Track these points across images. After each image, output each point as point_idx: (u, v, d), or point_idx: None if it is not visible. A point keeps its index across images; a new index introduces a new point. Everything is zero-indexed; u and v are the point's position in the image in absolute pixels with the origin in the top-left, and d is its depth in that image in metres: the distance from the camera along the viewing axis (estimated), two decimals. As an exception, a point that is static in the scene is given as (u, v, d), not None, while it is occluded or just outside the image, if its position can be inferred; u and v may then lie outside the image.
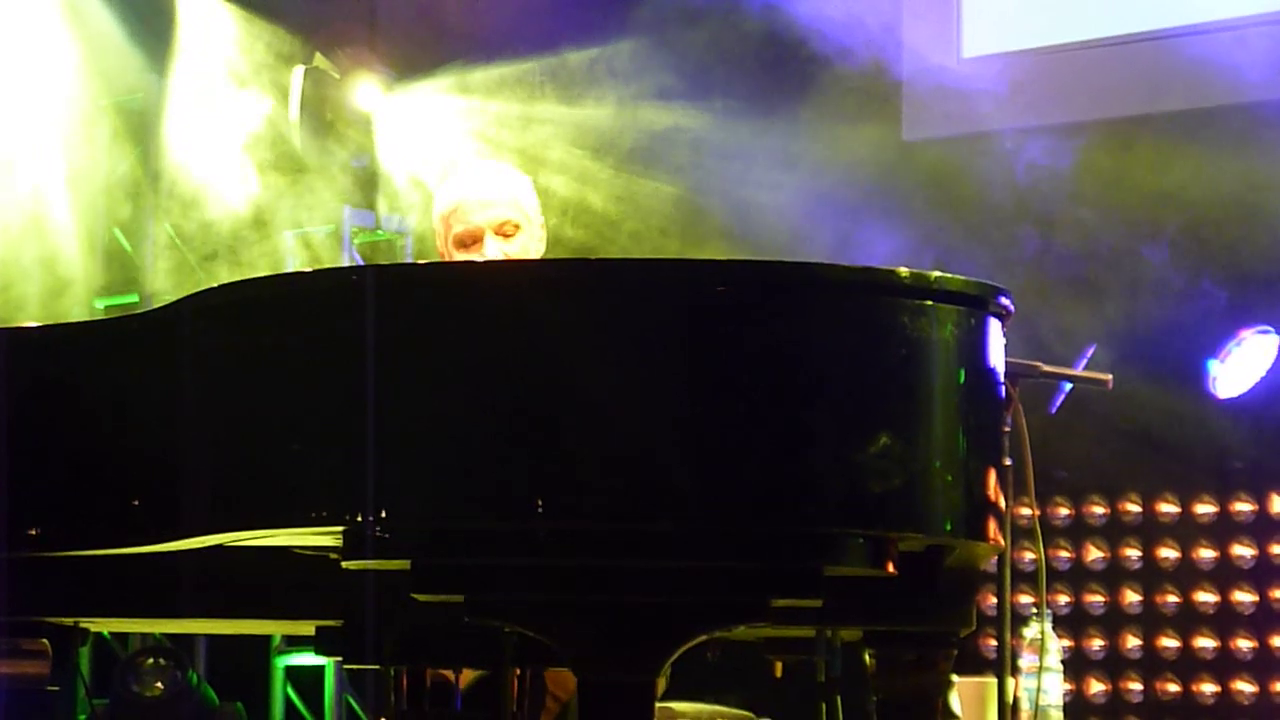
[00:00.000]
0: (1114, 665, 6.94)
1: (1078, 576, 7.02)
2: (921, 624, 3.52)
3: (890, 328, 3.06)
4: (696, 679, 4.58)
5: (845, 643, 3.87)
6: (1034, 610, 6.31)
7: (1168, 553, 6.91)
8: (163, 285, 7.98)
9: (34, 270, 7.91)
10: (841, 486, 3.03)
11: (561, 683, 4.20)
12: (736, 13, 7.19)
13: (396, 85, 7.94)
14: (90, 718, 6.95)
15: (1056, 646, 5.11)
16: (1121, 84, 6.94)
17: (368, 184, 8.00)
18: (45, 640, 3.77)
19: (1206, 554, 6.85)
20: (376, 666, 3.76)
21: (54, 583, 3.64)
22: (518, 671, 3.75)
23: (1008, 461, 3.33)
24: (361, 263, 7.84)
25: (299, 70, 7.70)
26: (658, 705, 3.28)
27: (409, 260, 7.79)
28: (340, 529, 3.08)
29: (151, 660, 7.28)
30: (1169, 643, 6.86)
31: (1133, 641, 6.91)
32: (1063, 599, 6.99)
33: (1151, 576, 6.93)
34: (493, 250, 4.31)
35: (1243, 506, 6.82)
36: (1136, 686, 6.88)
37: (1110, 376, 3.84)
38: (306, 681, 7.84)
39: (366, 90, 7.86)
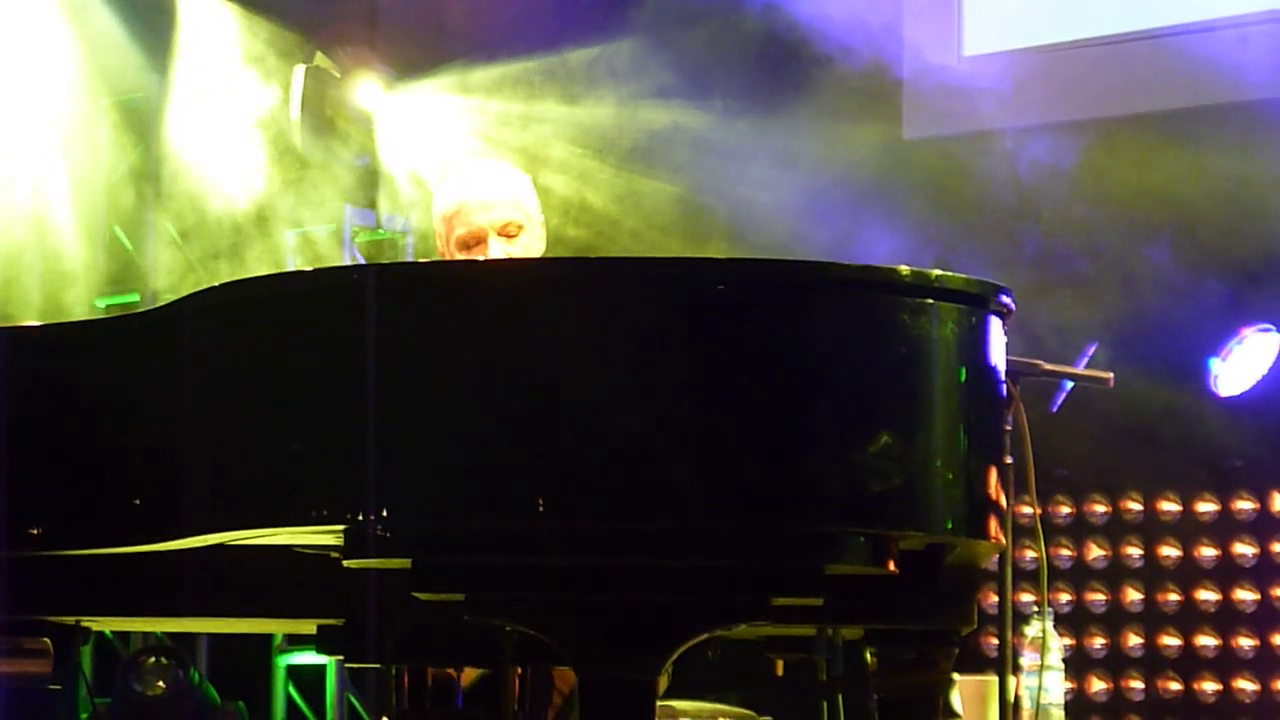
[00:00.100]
0: (1115, 663, 6.94)
1: (1079, 575, 7.02)
2: (922, 622, 3.52)
3: (891, 326, 3.06)
4: (697, 678, 4.58)
5: (846, 641, 3.87)
6: (1035, 608, 6.33)
7: (1169, 551, 6.91)
8: (163, 284, 7.98)
9: (35, 269, 7.91)
10: (842, 485, 3.03)
11: (566, 676, 4.20)
12: (737, 12, 7.19)
13: (397, 84, 7.94)
14: (92, 717, 6.95)
15: (1058, 645, 5.12)
16: (1122, 83, 6.93)
17: (369, 183, 8.00)
18: (47, 639, 3.78)
19: (1208, 552, 6.85)
20: (378, 665, 3.76)
21: (55, 582, 3.64)
22: (519, 670, 3.76)
23: (1009, 460, 3.33)
24: (362, 262, 7.85)
25: (300, 69, 7.70)
26: (658, 704, 3.28)
27: (410, 259, 7.79)
28: (341, 528, 3.08)
29: (153, 659, 7.27)
30: (1170, 641, 6.86)
31: (1134, 640, 6.91)
32: (1064, 597, 6.98)
33: (1153, 575, 6.93)
34: (496, 251, 4.31)
35: (1244, 505, 6.82)
36: (1138, 685, 6.88)
37: (1111, 375, 3.84)
38: (308, 680, 7.84)
39: (367, 89, 7.87)
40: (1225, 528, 6.84)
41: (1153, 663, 6.89)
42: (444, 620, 3.38)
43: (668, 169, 7.46)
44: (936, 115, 7.13)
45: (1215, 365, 6.42)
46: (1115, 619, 6.96)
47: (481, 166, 4.84)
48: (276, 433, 3.12)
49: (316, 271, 4.64)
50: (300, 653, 7.70)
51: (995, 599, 5.20)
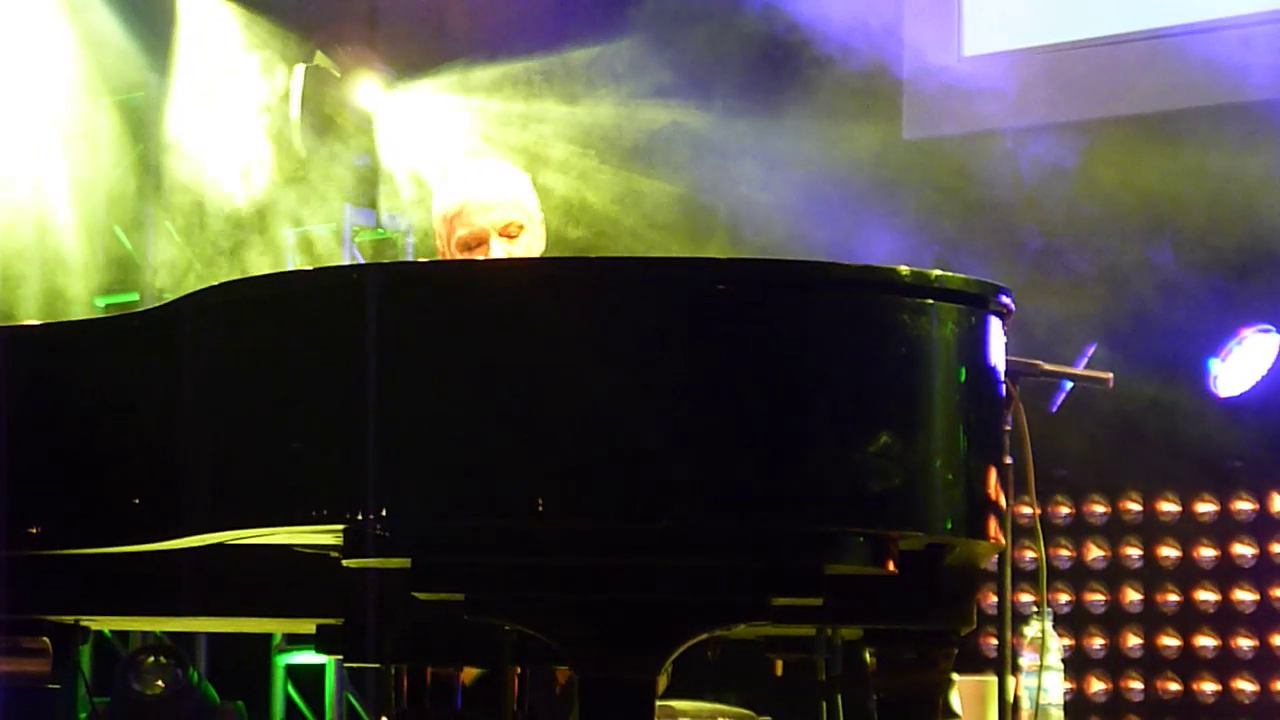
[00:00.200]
0: (1115, 664, 6.94)
1: (1078, 575, 7.02)
2: (922, 622, 3.52)
3: (891, 326, 3.06)
4: (697, 677, 4.58)
5: (845, 641, 3.87)
6: (1035, 609, 6.32)
7: (1168, 551, 6.91)
8: (163, 283, 7.98)
9: (35, 268, 7.92)
10: (842, 485, 3.03)
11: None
12: (737, 12, 7.19)
13: (397, 83, 7.94)
14: (91, 716, 6.95)
15: (1057, 645, 5.12)
16: (1122, 83, 6.93)
17: (369, 182, 8.00)
18: (46, 638, 3.78)
19: (1207, 553, 6.85)
20: (377, 665, 3.76)
21: (55, 581, 3.64)
22: (519, 670, 3.76)
23: (1008, 460, 3.33)
24: (362, 261, 7.85)
25: (300, 68, 7.70)
26: (658, 704, 3.28)
27: (410, 259, 7.79)
28: (341, 527, 3.08)
29: (152, 658, 7.28)
30: (1170, 641, 6.85)
31: (1133, 640, 6.91)
32: (1063, 598, 6.98)
33: (1152, 575, 6.93)
34: (498, 252, 4.30)
35: (1243, 505, 6.82)
36: (1137, 685, 6.88)
37: (1111, 375, 3.84)
38: (307, 680, 7.84)
39: (367, 88, 7.86)
40: (1224, 528, 6.84)
41: (1152, 663, 6.89)
42: (443, 620, 3.38)
43: (668, 169, 7.46)
44: (937, 115, 7.12)
45: (1215, 366, 6.42)
46: (1114, 619, 6.96)
47: (482, 166, 4.84)
48: (276, 432, 3.12)
49: (316, 271, 4.64)
50: (299, 652, 7.70)
51: (995, 599, 5.19)
